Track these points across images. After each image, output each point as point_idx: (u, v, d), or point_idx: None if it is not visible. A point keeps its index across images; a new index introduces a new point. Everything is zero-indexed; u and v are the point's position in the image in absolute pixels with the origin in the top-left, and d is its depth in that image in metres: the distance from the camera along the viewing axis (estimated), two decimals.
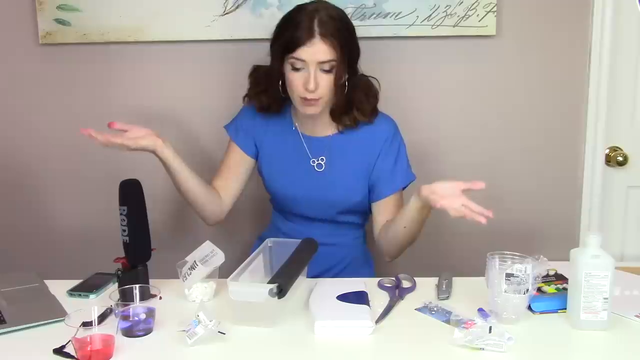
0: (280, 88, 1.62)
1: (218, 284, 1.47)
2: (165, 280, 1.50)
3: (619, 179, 2.15)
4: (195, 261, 1.42)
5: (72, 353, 1.17)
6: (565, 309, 1.34)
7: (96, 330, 1.20)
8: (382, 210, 1.69)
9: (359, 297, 1.39)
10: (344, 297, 1.39)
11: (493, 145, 2.11)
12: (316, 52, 1.52)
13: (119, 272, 1.45)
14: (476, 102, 2.09)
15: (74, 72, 2.08)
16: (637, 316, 1.34)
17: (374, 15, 1.98)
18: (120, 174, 1.52)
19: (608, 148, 2.12)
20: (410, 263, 1.79)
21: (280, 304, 1.30)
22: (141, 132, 1.55)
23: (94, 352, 1.17)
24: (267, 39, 1.65)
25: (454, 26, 1.99)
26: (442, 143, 2.10)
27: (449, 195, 1.43)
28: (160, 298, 1.33)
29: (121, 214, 1.43)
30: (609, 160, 2.13)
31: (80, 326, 1.18)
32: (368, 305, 1.36)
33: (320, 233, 1.61)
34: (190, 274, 1.42)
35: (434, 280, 1.53)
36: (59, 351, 1.18)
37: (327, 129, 1.70)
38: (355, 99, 1.64)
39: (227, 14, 2.00)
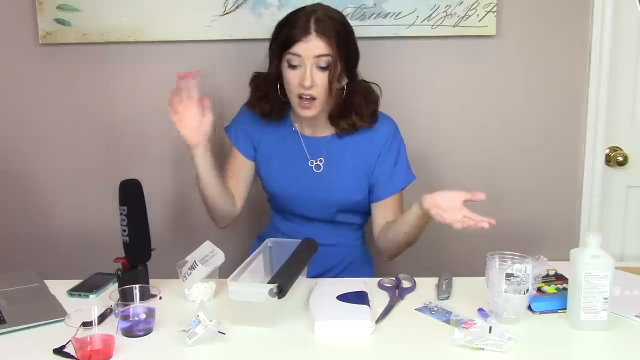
0: (279, 91, 1.63)
1: (218, 284, 1.47)
2: (165, 280, 1.50)
3: (619, 179, 2.15)
4: (195, 261, 1.42)
5: (72, 353, 1.17)
6: (565, 309, 1.34)
7: (96, 330, 1.20)
8: (382, 211, 1.69)
9: (359, 297, 1.39)
10: (344, 297, 1.39)
11: (493, 145, 2.11)
12: (312, 47, 1.53)
13: (119, 272, 1.45)
14: (476, 102, 2.09)
15: (74, 72, 2.08)
16: (637, 316, 1.34)
17: (374, 15, 1.98)
18: (120, 174, 1.52)
19: (608, 148, 2.12)
20: (410, 263, 1.79)
21: (280, 304, 1.30)
22: (194, 123, 1.52)
23: (94, 352, 1.17)
24: (267, 39, 1.65)
25: (454, 26, 1.99)
26: (442, 143, 2.10)
27: (451, 209, 1.44)
28: (160, 298, 1.33)
29: (121, 214, 1.43)
30: (609, 160, 2.13)
31: (80, 326, 1.18)
32: (368, 305, 1.36)
33: (319, 233, 1.61)
34: (190, 274, 1.42)
35: (434, 280, 1.53)
36: (59, 351, 1.18)
37: (326, 129, 1.70)
38: (354, 104, 1.64)
39: (227, 14, 2.00)
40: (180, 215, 2.14)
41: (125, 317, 1.27)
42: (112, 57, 2.06)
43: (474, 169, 2.10)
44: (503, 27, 2.01)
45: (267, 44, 1.65)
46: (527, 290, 1.30)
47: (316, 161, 1.70)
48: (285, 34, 1.56)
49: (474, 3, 1.97)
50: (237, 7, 1.99)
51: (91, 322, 1.21)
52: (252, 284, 1.38)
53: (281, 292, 1.27)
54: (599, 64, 2.05)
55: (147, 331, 1.28)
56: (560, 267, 1.47)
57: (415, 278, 1.54)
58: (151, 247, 1.47)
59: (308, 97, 1.56)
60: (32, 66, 2.08)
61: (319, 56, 1.54)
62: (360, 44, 1.65)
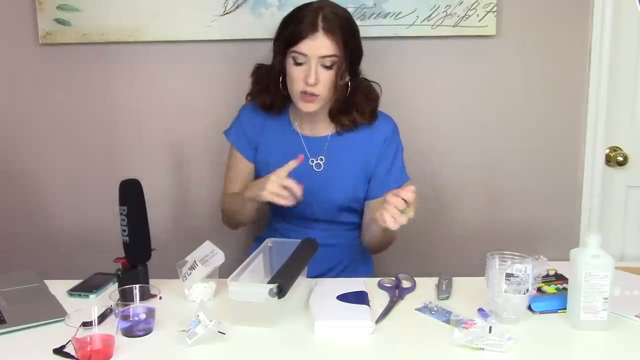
0: (280, 85, 1.63)
1: (218, 284, 1.46)
2: (165, 280, 1.50)
3: (619, 179, 2.15)
4: (195, 261, 1.42)
5: (72, 353, 1.17)
6: (565, 309, 1.34)
7: (96, 330, 1.20)
8: (373, 210, 1.69)
9: (359, 297, 1.39)
10: (344, 297, 1.39)
11: (493, 145, 2.11)
12: (319, 46, 1.53)
13: (119, 272, 1.45)
14: (476, 102, 2.09)
15: (74, 72, 2.08)
16: (637, 316, 1.34)
17: (374, 15, 1.98)
18: (120, 174, 1.52)
19: (608, 148, 2.12)
20: (410, 263, 1.80)
21: (280, 304, 1.30)
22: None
23: (94, 352, 1.17)
24: (267, 39, 1.65)
25: (454, 26, 1.99)
26: (442, 143, 2.10)
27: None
28: (160, 298, 1.34)
29: (121, 214, 1.43)
30: (609, 160, 2.13)
31: (80, 326, 1.18)
32: (368, 305, 1.36)
33: (318, 234, 1.61)
34: (190, 274, 1.42)
35: (434, 280, 1.53)
36: (59, 351, 1.18)
37: (326, 128, 1.70)
38: (355, 101, 1.65)
39: (227, 14, 2.00)
40: (180, 216, 2.14)
41: (125, 317, 1.27)
42: (112, 57, 2.06)
43: (474, 169, 2.10)
44: (503, 27, 2.01)
45: (267, 44, 1.65)
46: (527, 290, 1.30)
47: (316, 160, 1.70)
48: (291, 30, 1.55)
49: (474, 3, 1.97)
50: (237, 7, 1.99)
51: (91, 322, 1.21)
52: (252, 284, 1.37)
53: (281, 292, 1.27)
54: (599, 64, 2.05)
55: (147, 331, 1.28)
56: (560, 267, 1.47)
57: (415, 278, 1.54)
58: (151, 247, 1.47)
59: (311, 93, 1.57)
60: (32, 66, 2.08)
61: (324, 56, 1.54)
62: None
